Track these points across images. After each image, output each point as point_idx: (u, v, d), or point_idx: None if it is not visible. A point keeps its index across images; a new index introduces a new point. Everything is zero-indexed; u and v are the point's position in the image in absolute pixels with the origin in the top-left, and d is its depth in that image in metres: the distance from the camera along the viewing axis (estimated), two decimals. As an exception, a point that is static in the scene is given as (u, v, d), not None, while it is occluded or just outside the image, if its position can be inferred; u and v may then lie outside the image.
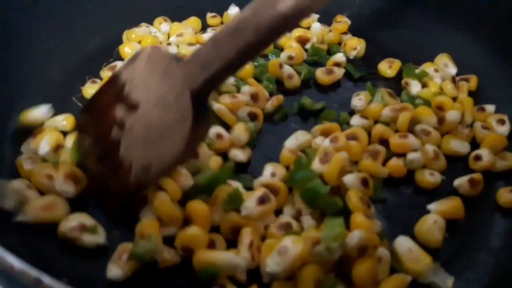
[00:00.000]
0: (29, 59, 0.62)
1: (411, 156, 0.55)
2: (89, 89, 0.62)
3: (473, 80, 0.68)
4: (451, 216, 0.51)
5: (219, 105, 0.57)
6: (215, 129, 0.54)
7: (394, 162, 0.55)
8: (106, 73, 0.65)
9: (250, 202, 0.46)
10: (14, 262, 0.32)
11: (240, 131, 0.55)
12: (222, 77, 0.41)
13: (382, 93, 0.63)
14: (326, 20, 0.78)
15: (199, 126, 0.41)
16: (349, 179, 0.49)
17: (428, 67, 0.70)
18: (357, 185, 0.50)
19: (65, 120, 0.57)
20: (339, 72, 0.68)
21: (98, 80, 0.64)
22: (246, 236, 0.45)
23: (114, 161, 0.43)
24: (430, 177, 0.54)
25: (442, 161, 0.56)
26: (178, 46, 0.70)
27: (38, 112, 0.57)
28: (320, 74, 0.68)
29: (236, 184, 0.49)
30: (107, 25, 0.72)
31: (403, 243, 0.46)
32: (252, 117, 0.58)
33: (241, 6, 0.77)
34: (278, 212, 0.49)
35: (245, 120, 0.57)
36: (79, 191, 0.48)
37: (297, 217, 0.48)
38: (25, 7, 0.63)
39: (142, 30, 0.72)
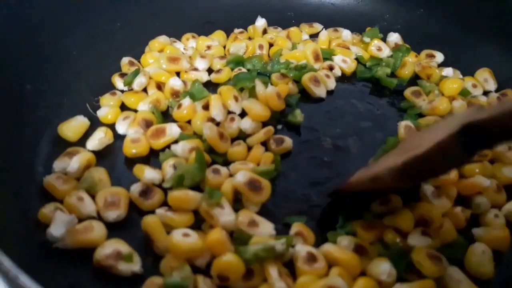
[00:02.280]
0: (61, 79, 0.62)
1: (478, 200, 0.51)
2: (107, 100, 0.62)
3: (511, 94, 0.66)
4: (495, 247, 0.48)
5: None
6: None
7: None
8: (116, 80, 0.65)
9: None
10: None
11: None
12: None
13: None
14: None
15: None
16: (414, 239, 0.46)
17: (466, 82, 0.68)
18: (422, 240, 0.45)
19: (106, 134, 0.57)
20: None
21: (117, 92, 0.63)
22: (272, 269, 0.43)
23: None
24: (497, 220, 0.50)
25: (503, 194, 0.53)
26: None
27: (76, 122, 0.57)
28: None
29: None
30: (135, 43, 0.72)
31: (453, 274, 0.43)
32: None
33: (266, 18, 0.77)
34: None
35: None
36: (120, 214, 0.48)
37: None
38: (56, 27, 0.64)
39: (163, 39, 0.72)
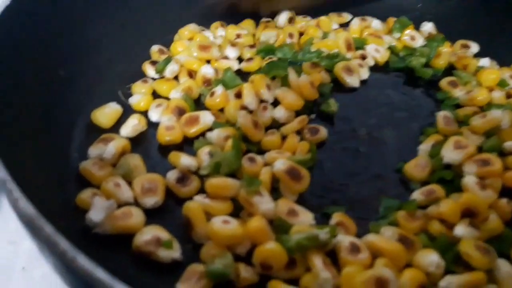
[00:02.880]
0: (92, 66, 0.61)
1: None
2: (139, 87, 0.61)
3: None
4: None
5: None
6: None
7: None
8: (147, 67, 0.64)
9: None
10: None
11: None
12: None
13: None
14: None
15: None
16: (461, 230, 0.44)
17: (503, 72, 0.66)
18: (469, 231, 0.44)
19: (140, 121, 0.56)
20: None
21: (149, 80, 0.63)
22: (317, 259, 0.42)
23: None
24: None
25: None
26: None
27: (109, 109, 0.57)
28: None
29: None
30: (164, 30, 0.71)
31: (502, 267, 0.42)
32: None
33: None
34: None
35: None
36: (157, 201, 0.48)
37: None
38: (86, 14, 0.63)
39: (193, 27, 0.71)
